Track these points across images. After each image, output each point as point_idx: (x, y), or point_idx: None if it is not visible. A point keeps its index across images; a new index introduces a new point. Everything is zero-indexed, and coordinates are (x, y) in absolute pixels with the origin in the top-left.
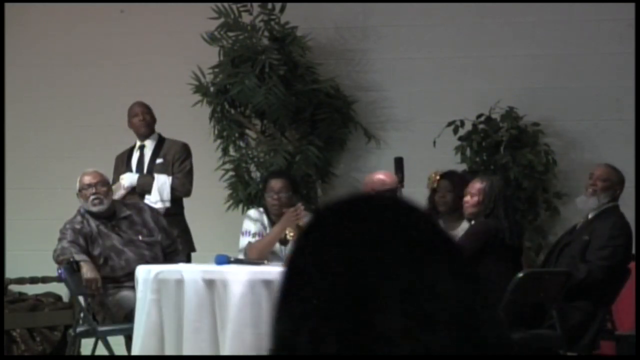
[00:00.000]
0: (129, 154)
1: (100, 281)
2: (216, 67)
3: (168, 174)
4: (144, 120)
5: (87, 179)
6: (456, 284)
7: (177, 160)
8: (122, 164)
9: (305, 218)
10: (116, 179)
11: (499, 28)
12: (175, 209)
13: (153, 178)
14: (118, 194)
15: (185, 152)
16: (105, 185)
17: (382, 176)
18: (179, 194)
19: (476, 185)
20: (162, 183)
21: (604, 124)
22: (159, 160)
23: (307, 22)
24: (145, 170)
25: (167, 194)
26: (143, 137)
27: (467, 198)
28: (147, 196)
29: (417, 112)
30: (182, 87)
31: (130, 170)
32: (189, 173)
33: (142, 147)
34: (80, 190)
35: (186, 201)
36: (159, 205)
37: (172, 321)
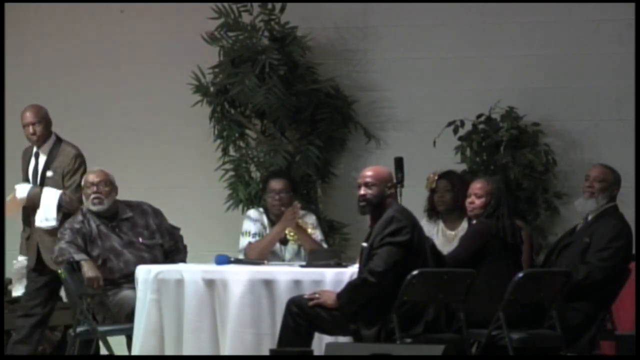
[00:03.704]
0: (29, 157)
1: (101, 279)
2: (216, 67)
3: (59, 188)
4: (34, 134)
5: (91, 178)
6: None
7: (67, 173)
8: (24, 167)
9: (304, 217)
10: (23, 176)
11: (499, 28)
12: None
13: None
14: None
15: (76, 163)
16: (108, 185)
17: (370, 172)
18: (66, 211)
19: (481, 186)
20: (47, 202)
21: (604, 124)
22: (49, 173)
23: (307, 22)
24: (38, 181)
25: (51, 212)
26: (37, 146)
27: (473, 199)
28: (38, 211)
29: (417, 112)
30: (182, 87)
31: (28, 178)
32: (78, 188)
33: (37, 155)
34: (82, 188)
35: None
36: (44, 224)
37: (172, 321)
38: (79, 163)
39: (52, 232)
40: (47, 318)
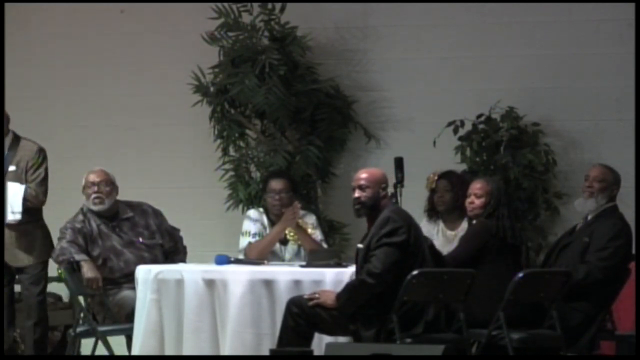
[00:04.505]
0: None
1: (101, 280)
2: (216, 67)
3: (21, 182)
4: None
5: (92, 177)
6: None
7: (30, 167)
8: None
9: (304, 217)
10: None
11: (499, 28)
12: (30, 217)
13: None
14: None
15: (40, 157)
16: (109, 185)
17: (364, 174)
18: (31, 205)
19: (481, 186)
20: (12, 195)
21: (604, 124)
22: (11, 168)
23: (307, 22)
24: None
25: (17, 206)
26: None
27: (472, 199)
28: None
29: (417, 112)
30: (182, 87)
31: None
32: (43, 181)
33: None
34: (83, 188)
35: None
36: (10, 218)
37: (172, 321)
38: (43, 157)
39: (10, 227)
40: (12, 320)
